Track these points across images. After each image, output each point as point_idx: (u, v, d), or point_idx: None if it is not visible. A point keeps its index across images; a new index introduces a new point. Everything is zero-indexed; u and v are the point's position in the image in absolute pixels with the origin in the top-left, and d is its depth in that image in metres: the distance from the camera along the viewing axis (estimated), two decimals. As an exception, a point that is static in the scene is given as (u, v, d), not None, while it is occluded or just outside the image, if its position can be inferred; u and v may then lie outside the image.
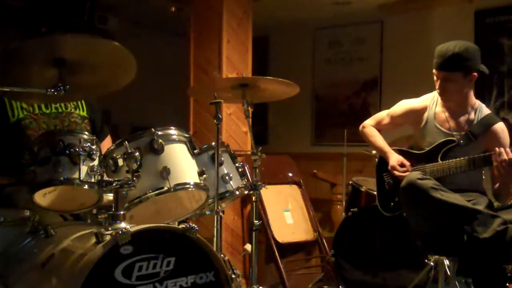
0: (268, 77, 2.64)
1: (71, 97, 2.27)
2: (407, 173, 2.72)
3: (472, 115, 2.77)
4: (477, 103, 2.81)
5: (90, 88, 2.15)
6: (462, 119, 2.77)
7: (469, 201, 2.50)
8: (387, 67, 5.53)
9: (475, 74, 2.68)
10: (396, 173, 2.78)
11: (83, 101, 2.57)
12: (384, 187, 2.93)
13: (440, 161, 2.69)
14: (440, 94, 2.74)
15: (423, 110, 2.85)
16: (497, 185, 2.67)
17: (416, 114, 2.87)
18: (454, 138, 2.72)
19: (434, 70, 2.72)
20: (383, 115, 3.05)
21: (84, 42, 1.91)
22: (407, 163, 2.80)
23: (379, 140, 2.98)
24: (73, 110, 2.51)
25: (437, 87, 2.74)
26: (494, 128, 2.73)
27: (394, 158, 2.83)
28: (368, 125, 3.06)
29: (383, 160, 2.93)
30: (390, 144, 3.01)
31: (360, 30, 5.70)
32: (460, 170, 2.60)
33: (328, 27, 5.88)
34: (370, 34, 5.63)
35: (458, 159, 2.61)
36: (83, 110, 2.55)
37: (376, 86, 5.61)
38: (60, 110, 2.47)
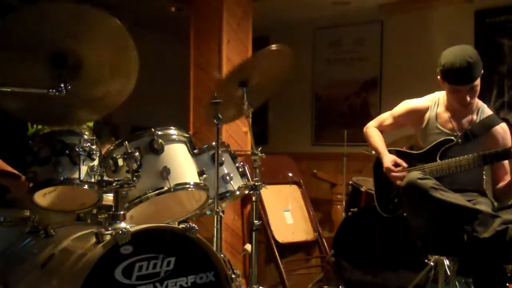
0: (259, 51, 2.59)
1: (75, 118, 2.21)
2: (403, 173, 2.70)
3: (474, 116, 2.76)
4: (480, 103, 2.80)
5: (93, 105, 2.11)
6: (465, 119, 2.76)
7: (469, 201, 2.49)
8: (387, 67, 5.53)
9: (482, 72, 2.67)
10: (393, 174, 2.75)
11: None
12: (382, 189, 2.92)
13: (438, 161, 2.68)
14: (466, 105, 2.67)
15: (424, 110, 2.84)
16: (501, 184, 2.68)
17: (417, 114, 2.86)
18: (452, 137, 2.71)
19: (453, 86, 2.63)
20: (385, 116, 3.04)
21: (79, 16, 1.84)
22: (402, 162, 2.76)
23: (377, 140, 2.96)
24: None
25: (457, 99, 2.67)
26: (495, 129, 2.72)
27: (388, 159, 2.79)
28: (371, 126, 3.06)
29: (379, 161, 2.93)
30: (390, 144, 3.01)
31: (360, 30, 5.70)
32: (466, 168, 2.57)
33: (328, 27, 5.88)
34: (370, 34, 5.63)
35: (465, 156, 2.57)
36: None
37: (376, 86, 5.60)
38: None
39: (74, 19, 1.82)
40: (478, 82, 2.62)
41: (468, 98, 2.62)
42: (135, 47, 1.90)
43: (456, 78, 2.59)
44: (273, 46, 2.52)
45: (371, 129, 3.04)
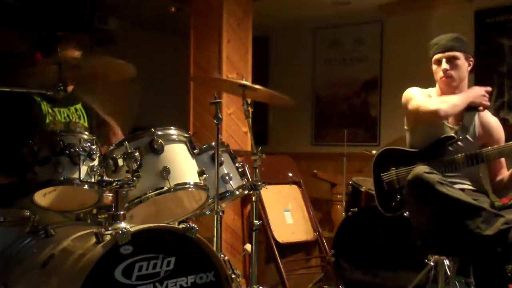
0: (265, 89, 2.64)
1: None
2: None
3: None
4: None
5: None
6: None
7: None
8: (387, 67, 5.53)
9: (472, 60, 2.77)
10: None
11: (83, 112, 2.61)
12: (383, 187, 2.91)
13: (439, 158, 2.69)
14: (444, 77, 2.73)
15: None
16: (499, 178, 2.72)
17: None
18: (453, 135, 2.73)
19: (435, 57, 2.75)
20: (423, 96, 2.83)
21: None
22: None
23: (447, 97, 2.75)
24: (77, 120, 2.55)
25: (439, 73, 2.74)
26: (485, 120, 2.76)
27: (476, 88, 2.73)
28: (430, 100, 2.80)
29: (380, 159, 2.92)
30: (391, 144, 3.01)
31: (360, 30, 5.70)
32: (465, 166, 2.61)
33: (328, 27, 5.88)
34: (370, 34, 5.63)
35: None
36: (84, 121, 2.59)
37: (376, 86, 5.60)
38: (67, 119, 2.52)
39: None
40: (460, 57, 2.71)
41: (448, 66, 2.69)
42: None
43: (438, 46, 2.75)
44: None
45: (433, 99, 2.80)
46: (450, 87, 2.76)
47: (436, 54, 2.75)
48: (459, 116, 2.78)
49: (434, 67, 2.79)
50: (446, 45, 2.73)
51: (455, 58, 2.71)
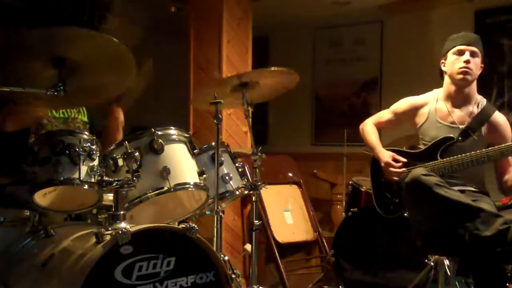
0: (265, 69, 2.64)
1: (73, 103, 2.26)
2: (402, 169, 2.74)
3: (475, 109, 2.78)
4: (480, 98, 2.83)
5: (91, 93, 2.14)
6: (465, 112, 2.78)
7: (472, 200, 2.50)
8: (387, 67, 5.53)
9: (482, 67, 2.77)
10: (391, 169, 2.79)
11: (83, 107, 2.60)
12: (381, 189, 2.91)
13: (439, 159, 2.69)
14: (464, 68, 2.70)
15: (424, 105, 2.88)
16: (507, 177, 2.71)
17: (418, 109, 2.89)
18: (453, 135, 2.72)
19: (458, 47, 2.73)
20: (384, 112, 3.06)
21: (83, 38, 1.89)
22: (400, 157, 2.82)
23: (373, 137, 2.98)
24: (76, 116, 2.54)
25: (458, 64, 2.72)
26: (492, 118, 2.76)
27: (386, 154, 2.85)
28: (369, 123, 3.06)
29: (376, 161, 2.92)
30: (390, 144, 3.00)
31: (360, 30, 5.70)
32: (469, 166, 2.60)
33: (328, 27, 5.88)
34: (370, 34, 5.63)
35: (467, 154, 2.60)
36: (84, 116, 2.58)
37: (376, 86, 5.60)
38: (66, 115, 2.50)
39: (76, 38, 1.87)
40: (479, 56, 2.73)
41: (469, 58, 2.68)
42: (129, 52, 1.91)
43: (461, 39, 2.75)
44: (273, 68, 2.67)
45: (369, 126, 3.05)
46: (465, 80, 2.74)
47: (460, 45, 2.73)
48: (467, 114, 2.77)
49: (452, 58, 2.75)
50: (471, 40, 2.74)
51: (476, 54, 2.72)
